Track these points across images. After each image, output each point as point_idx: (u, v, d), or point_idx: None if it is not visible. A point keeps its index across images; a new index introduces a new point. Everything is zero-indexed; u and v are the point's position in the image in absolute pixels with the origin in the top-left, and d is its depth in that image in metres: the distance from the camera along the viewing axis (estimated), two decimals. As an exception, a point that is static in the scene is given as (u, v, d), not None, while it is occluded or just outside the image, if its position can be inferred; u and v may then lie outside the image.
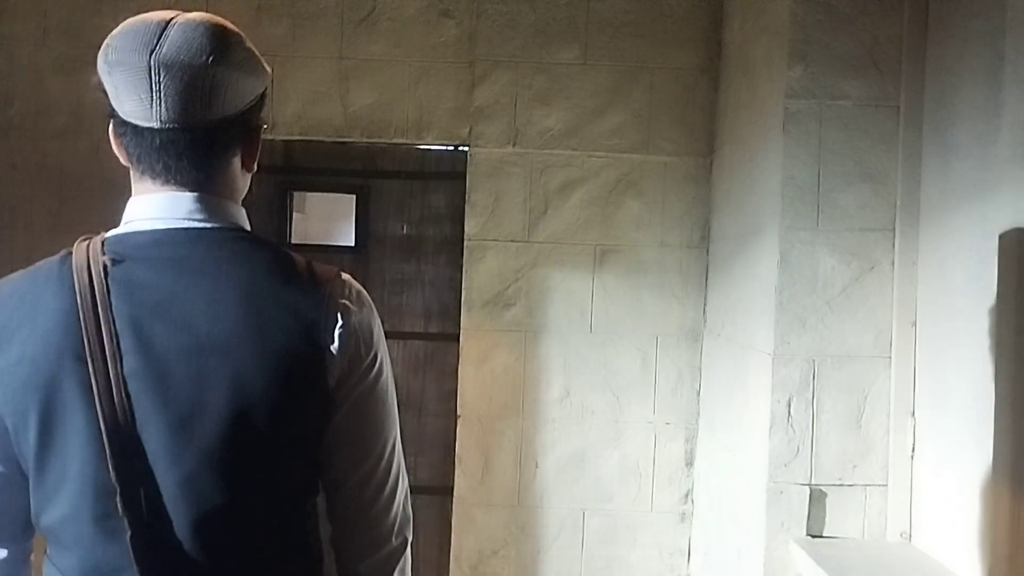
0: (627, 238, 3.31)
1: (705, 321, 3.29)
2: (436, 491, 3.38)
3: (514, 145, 3.30)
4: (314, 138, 3.34)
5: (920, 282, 2.36)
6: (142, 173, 1.18)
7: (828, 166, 2.41)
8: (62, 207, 3.28)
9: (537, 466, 3.31)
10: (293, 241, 3.44)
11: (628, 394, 3.32)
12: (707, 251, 3.31)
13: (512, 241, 3.31)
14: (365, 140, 3.34)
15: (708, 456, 3.16)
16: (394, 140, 3.33)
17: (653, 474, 3.32)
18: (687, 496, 3.30)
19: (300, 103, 3.31)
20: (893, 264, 2.40)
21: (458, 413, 3.31)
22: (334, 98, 3.32)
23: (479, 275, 3.31)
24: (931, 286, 2.31)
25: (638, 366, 3.32)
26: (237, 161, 1.22)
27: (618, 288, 3.31)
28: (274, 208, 3.40)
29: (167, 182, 1.17)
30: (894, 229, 2.39)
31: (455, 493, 3.31)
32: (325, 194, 3.56)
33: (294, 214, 3.50)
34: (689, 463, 3.31)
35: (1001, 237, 1.90)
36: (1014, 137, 1.93)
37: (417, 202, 3.41)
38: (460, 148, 3.36)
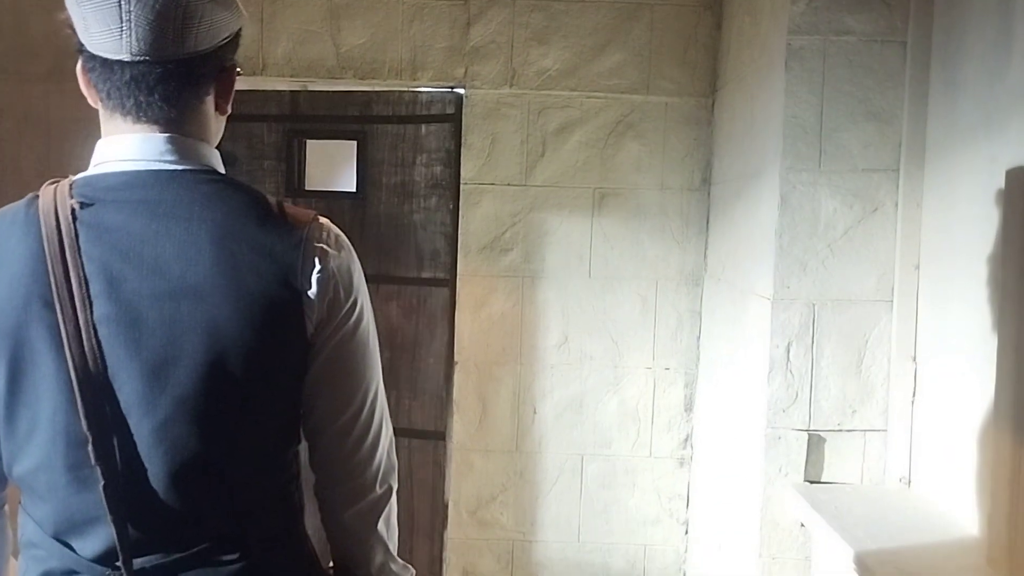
0: (626, 181, 3.25)
1: (706, 266, 3.24)
2: (432, 436, 3.38)
3: (511, 86, 3.23)
4: (309, 79, 3.26)
5: (924, 224, 2.30)
6: (112, 111, 1.13)
7: (831, 105, 2.34)
8: (50, 151, 3.21)
9: (535, 412, 3.30)
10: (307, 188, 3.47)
11: (627, 340, 3.29)
12: (708, 194, 3.25)
13: (509, 185, 3.25)
14: (358, 81, 3.26)
15: (707, 401, 3.13)
16: (388, 81, 3.26)
17: (652, 419, 3.30)
18: (686, 441, 3.29)
19: (291, 43, 3.23)
20: (897, 205, 2.34)
21: (455, 359, 3.28)
22: (325, 38, 3.23)
23: (475, 220, 3.25)
24: (935, 228, 2.26)
25: (637, 311, 3.28)
26: (210, 101, 1.18)
27: (617, 232, 3.26)
28: (283, 156, 3.39)
29: (138, 120, 1.13)
30: (898, 169, 2.33)
31: (453, 439, 3.30)
32: (326, 141, 3.52)
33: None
34: (688, 408, 3.29)
35: (1008, 174, 1.84)
36: (1025, 72, 1.87)
37: (416, 145, 3.36)
38: (456, 90, 3.28)
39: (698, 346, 3.27)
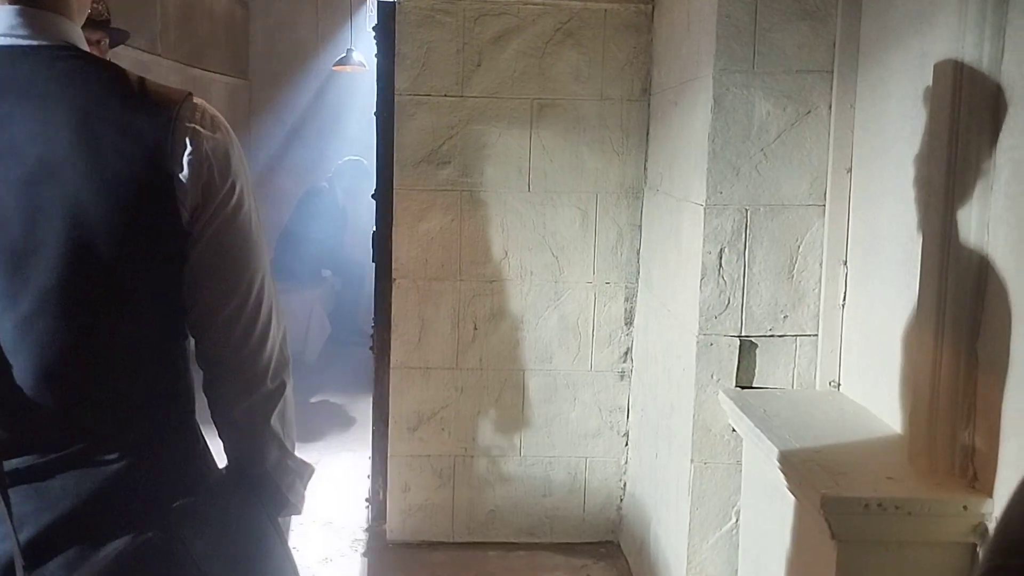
0: (565, 91, 3.17)
1: (646, 178, 3.19)
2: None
3: (445, -8, 3.11)
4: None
5: (857, 126, 2.27)
6: None
7: (765, 3, 2.28)
8: None
9: (476, 328, 3.26)
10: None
11: (567, 254, 3.25)
12: (648, 104, 3.18)
13: (445, 96, 3.15)
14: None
15: (646, 314, 3.12)
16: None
17: (593, 334, 3.28)
18: (627, 354, 3.28)
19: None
20: (830, 107, 2.30)
21: (393, 276, 3.23)
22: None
23: (411, 132, 3.16)
24: (867, 130, 2.22)
25: (577, 225, 3.24)
26: None
27: (556, 144, 3.19)
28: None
29: None
30: (832, 70, 2.29)
31: (392, 357, 3.26)
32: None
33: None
34: (629, 322, 3.27)
35: (936, 68, 1.80)
36: (955, -40, 1.81)
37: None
38: (388, -4, 3.16)
39: (638, 260, 3.24)
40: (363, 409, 4.53)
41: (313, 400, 5.20)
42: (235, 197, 1.10)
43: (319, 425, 4.71)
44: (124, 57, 2.86)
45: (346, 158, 6.52)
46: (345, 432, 4.70)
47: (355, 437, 4.53)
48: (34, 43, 1.04)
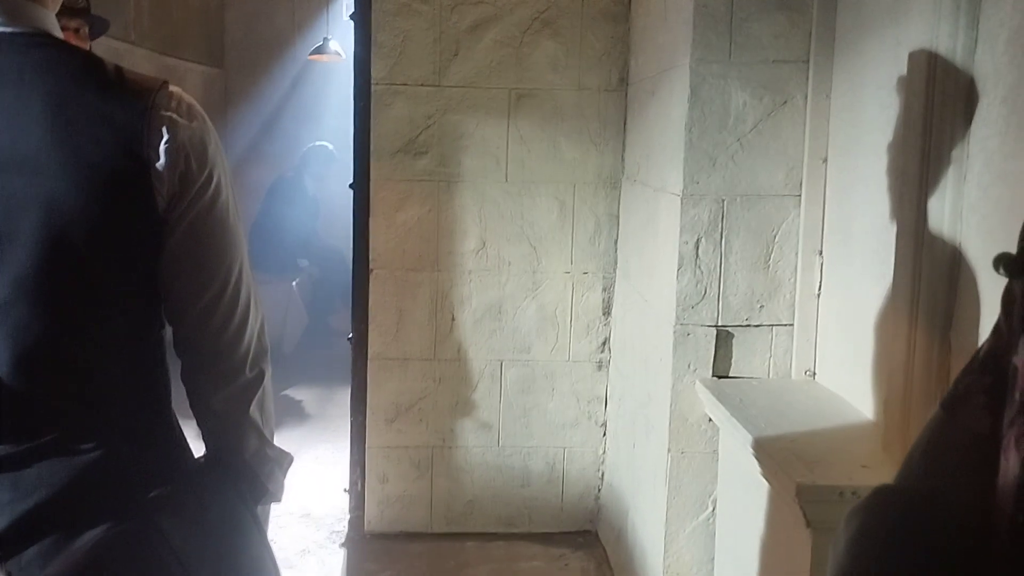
0: (543, 81, 3.16)
1: (623, 168, 3.20)
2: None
3: (421, -20, 3.09)
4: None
5: (832, 116, 2.28)
6: None
7: (742, -7, 2.29)
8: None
9: (454, 319, 3.26)
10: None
11: (545, 244, 3.25)
12: (626, 95, 3.18)
13: (422, 85, 3.14)
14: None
15: (624, 304, 3.13)
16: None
17: (571, 324, 3.29)
18: (604, 344, 3.30)
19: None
20: (806, 98, 2.31)
21: (370, 267, 3.22)
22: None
23: (388, 122, 3.15)
24: (843, 120, 2.24)
25: (555, 216, 3.24)
26: None
27: (534, 135, 3.19)
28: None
29: None
30: (808, 60, 2.30)
31: (370, 348, 3.25)
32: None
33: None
34: (607, 312, 3.28)
35: (910, 56, 1.82)
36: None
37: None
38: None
39: (616, 250, 3.25)
40: (341, 400, 4.52)
41: (290, 391, 5.18)
42: (212, 186, 1.09)
43: (296, 416, 4.70)
44: (96, 45, 2.82)
45: (311, 144, 6.47)
46: (322, 423, 4.69)
47: (332, 428, 4.52)
48: (7, 30, 1.03)
